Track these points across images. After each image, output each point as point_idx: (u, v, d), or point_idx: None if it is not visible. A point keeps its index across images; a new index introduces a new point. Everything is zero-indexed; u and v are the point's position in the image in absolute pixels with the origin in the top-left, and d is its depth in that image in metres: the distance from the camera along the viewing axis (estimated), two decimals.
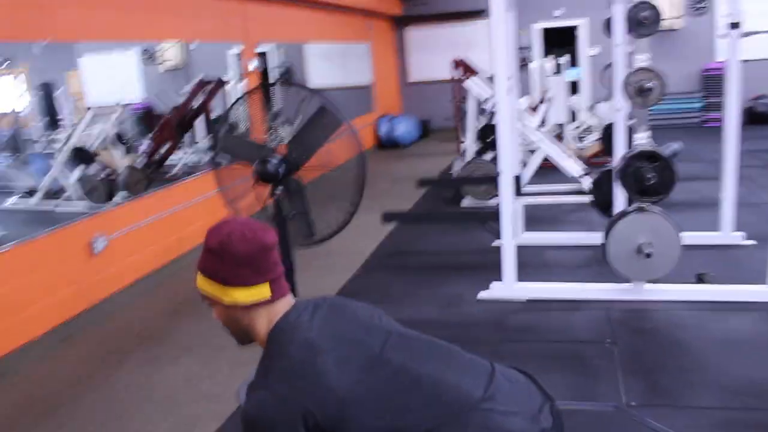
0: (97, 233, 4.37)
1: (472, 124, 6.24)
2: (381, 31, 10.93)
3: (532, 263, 4.40)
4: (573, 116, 7.81)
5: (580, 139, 7.63)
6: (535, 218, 5.17)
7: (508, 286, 3.88)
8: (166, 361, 3.51)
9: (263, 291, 1.39)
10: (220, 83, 7.32)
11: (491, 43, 3.65)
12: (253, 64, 6.53)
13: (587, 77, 9.96)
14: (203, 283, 1.41)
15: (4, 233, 5.23)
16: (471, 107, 6.21)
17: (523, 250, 4.51)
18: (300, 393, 1.26)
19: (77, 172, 7.04)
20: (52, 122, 8.81)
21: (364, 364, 1.32)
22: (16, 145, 9.12)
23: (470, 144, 6.32)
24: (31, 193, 6.80)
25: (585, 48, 10.30)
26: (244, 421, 1.28)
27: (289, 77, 10.44)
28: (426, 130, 11.43)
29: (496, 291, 3.92)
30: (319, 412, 1.24)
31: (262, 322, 1.41)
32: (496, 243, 4.81)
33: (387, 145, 10.80)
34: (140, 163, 7.80)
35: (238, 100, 5.37)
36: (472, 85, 5.95)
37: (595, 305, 3.68)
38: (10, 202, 7.00)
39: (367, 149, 10.56)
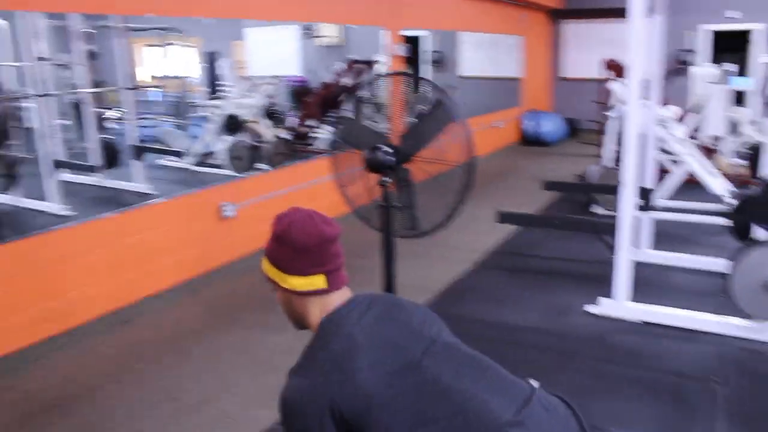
0: (228, 200, 4.63)
1: (613, 128, 5.95)
2: (536, 23, 10.63)
3: (652, 283, 4.17)
4: (734, 129, 7.20)
5: (739, 155, 7.03)
6: (667, 236, 4.87)
7: (619, 304, 3.70)
8: (272, 330, 3.67)
9: (318, 281, 1.44)
10: (370, 64, 7.50)
11: (629, 44, 3.45)
12: (398, 49, 6.61)
13: (756, 88, 9.12)
14: (267, 267, 1.49)
15: (153, 191, 5.75)
16: (613, 110, 5.93)
17: (644, 268, 4.31)
18: (331, 385, 1.30)
19: (226, 139, 7.54)
20: (214, 90, 9.48)
21: (399, 369, 1.34)
22: (179, 109, 9.93)
23: (609, 149, 6.05)
24: (180, 154, 7.38)
25: (758, 56, 9.43)
26: (279, 402, 1.34)
27: (440, 64, 10.51)
28: (574, 130, 11.01)
29: (605, 307, 3.75)
30: (346, 407, 1.28)
31: (315, 311, 1.46)
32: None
33: (531, 141, 10.55)
34: (285, 135, 8.20)
35: (373, 83, 5.49)
36: (616, 87, 5.66)
37: (711, 339, 3.42)
38: (164, 161, 7.65)
39: (510, 144, 10.38)
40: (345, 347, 1.36)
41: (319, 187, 5.52)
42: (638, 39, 3.41)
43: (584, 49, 11.07)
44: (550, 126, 10.40)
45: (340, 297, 1.48)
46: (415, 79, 3.17)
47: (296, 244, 1.43)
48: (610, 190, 4.31)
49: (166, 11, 4.36)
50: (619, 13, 3.53)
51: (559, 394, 1.47)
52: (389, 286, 3.08)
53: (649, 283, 4.12)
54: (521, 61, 10.45)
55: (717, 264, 4.12)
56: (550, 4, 10.60)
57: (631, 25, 3.38)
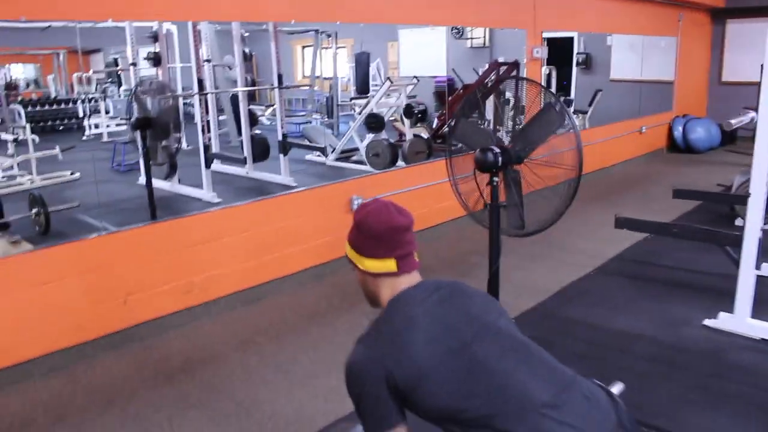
0: (359, 194, 4.89)
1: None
2: (693, 24, 10.05)
3: None
4: None
5: None
6: None
7: (739, 320, 3.54)
8: None
9: (389, 264, 1.62)
10: (515, 65, 7.52)
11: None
12: (536, 51, 6.61)
13: None
14: (348, 250, 1.69)
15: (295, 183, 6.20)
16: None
17: None
18: (388, 357, 1.47)
19: (368, 136, 7.90)
20: (365, 89, 9.92)
21: (451, 348, 1.48)
22: (328, 107, 10.49)
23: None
24: (324, 150, 7.84)
25: None
26: (345, 367, 1.54)
27: (586, 66, 10.28)
28: (731, 137, 10.30)
29: (723, 322, 3.60)
30: (400, 376, 1.45)
31: (386, 291, 1.64)
32: (758, 272, 4.36)
33: (681, 148, 10.02)
34: (424, 134, 8.42)
35: (508, 83, 5.53)
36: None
37: None
38: (309, 156, 8.16)
39: (658, 149, 9.94)
40: (405, 324, 1.53)
41: (447, 185, 5.66)
42: None
43: (748, 50, 10.30)
44: (702, 132, 9.81)
45: (409, 280, 1.64)
46: (533, 83, 3.22)
47: (371, 231, 1.62)
48: (744, 200, 4.11)
49: (312, 17, 4.68)
50: None
51: (606, 387, 1.54)
52: (494, 281, 3.18)
53: None
54: (674, 64, 9.95)
55: None
56: (711, 3, 9.99)
57: None
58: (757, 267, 3.46)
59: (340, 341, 3.60)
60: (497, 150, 3.02)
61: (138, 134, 5.29)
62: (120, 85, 9.88)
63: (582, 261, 4.90)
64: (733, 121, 4.23)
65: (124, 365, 3.43)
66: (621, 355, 3.38)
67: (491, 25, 7.55)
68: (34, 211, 5.11)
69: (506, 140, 3.18)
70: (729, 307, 3.59)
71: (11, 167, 6.93)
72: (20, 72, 9.97)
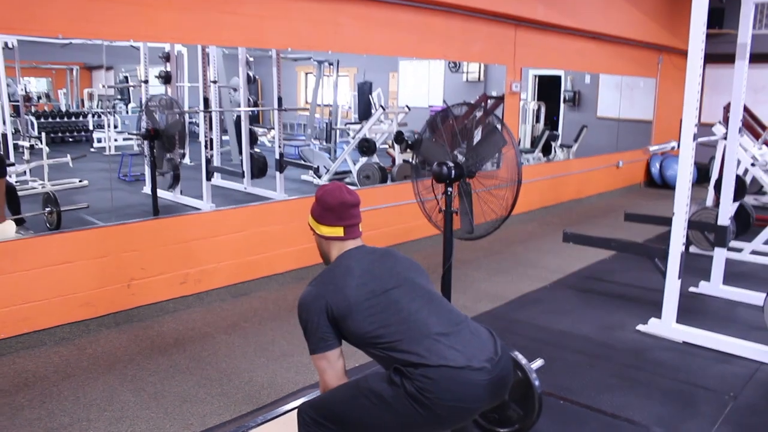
0: None
1: (716, 172, 6.14)
2: (673, 66, 10.68)
3: (717, 314, 4.51)
4: None
5: None
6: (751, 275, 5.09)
7: (666, 325, 4.04)
8: None
9: (338, 231, 2.16)
10: (501, 99, 8.12)
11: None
12: (516, 86, 7.19)
13: None
14: (310, 219, 2.23)
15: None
16: (718, 155, 6.14)
17: (713, 300, 4.62)
18: (327, 292, 2.00)
19: (360, 160, 8.46)
20: (366, 116, 10.53)
21: (374, 291, 2.01)
22: (326, 132, 11.10)
23: (711, 193, 6.24)
24: (318, 170, 8.39)
25: None
26: (298, 301, 2.05)
27: (573, 103, 10.89)
28: (706, 175, 10.85)
29: (652, 327, 4.10)
30: (335, 308, 1.97)
31: (334, 251, 2.18)
32: (693, 289, 4.88)
33: (658, 183, 10.60)
34: (413, 160, 8.95)
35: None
36: (715, 128, 5.91)
37: (748, 363, 3.68)
38: (305, 176, 8.71)
39: (636, 184, 10.51)
40: (343, 272, 2.06)
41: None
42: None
43: (726, 95, 10.90)
44: (676, 169, 10.36)
45: (353, 244, 2.18)
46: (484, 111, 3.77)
47: (327, 205, 2.16)
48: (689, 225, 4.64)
49: (307, 46, 5.22)
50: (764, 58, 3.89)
51: (488, 328, 2.06)
52: (447, 277, 3.67)
53: (715, 315, 4.49)
54: (653, 104, 10.57)
55: None
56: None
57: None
58: (680, 277, 3.97)
59: None
60: (451, 164, 3.56)
61: (146, 144, 5.84)
62: (128, 102, 10.52)
63: (543, 275, 5.42)
64: (651, 148, 4.79)
65: (125, 339, 3.93)
66: (556, 349, 3.88)
67: (475, 60, 8.16)
68: (47, 209, 5.64)
69: (461, 158, 3.71)
70: (679, 320, 4.09)
71: (24, 173, 7.48)
72: (33, 85, 10.58)
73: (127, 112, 10.30)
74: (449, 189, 3.62)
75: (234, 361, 3.66)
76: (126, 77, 9.96)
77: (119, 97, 10.52)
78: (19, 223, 5.25)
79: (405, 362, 1.89)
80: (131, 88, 10.23)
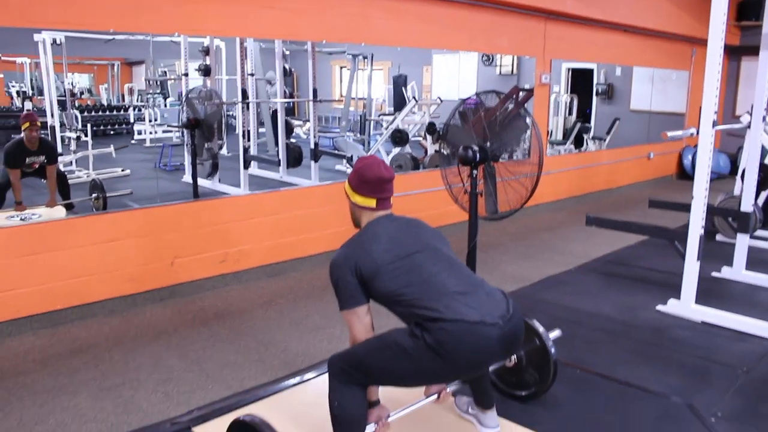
0: None
1: (744, 162, 6.19)
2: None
3: (738, 298, 4.62)
4: None
5: None
6: None
7: (685, 305, 4.16)
8: None
9: (371, 201, 2.37)
10: (532, 92, 8.24)
11: None
12: (545, 77, 7.31)
13: None
14: (346, 186, 2.45)
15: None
16: (746, 145, 6.19)
17: (735, 285, 4.75)
18: (356, 255, 2.22)
19: (393, 150, 8.67)
20: (400, 109, 10.75)
21: (399, 255, 2.22)
22: (360, 123, 11.35)
23: (738, 182, 6.30)
24: (351, 160, 8.63)
25: None
26: (330, 262, 2.27)
27: (606, 95, 10.93)
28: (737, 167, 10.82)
29: (672, 307, 4.23)
30: (364, 269, 2.19)
31: (365, 218, 2.40)
32: (715, 274, 4.99)
33: (690, 175, 10.57)
34: (444, 150, 9.14)
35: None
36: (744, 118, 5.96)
37: (764, 342, 3.79)
38: (339, 166, 8.96)
39: (668, 176, 10.53)
40: (371, 237, 2.28)
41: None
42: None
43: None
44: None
45: (382, 213, 2.39)
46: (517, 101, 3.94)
47: (364, 177, 2.37)
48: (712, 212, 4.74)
49: (340, 38, 5.43)
50: None
51: (502, 291, 2.25)
52: (472, 255, 3.86)
53: (737, 298, 4.59)
54: (686, 97, 10.55)
55: None
56: (726, 41, 10.54)
57: None
58: (699, 258, 4.09)
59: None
60: (476, 148, 3.74)
61: (187, 133, 6.13)
62: (167, 96, 10.91)
63: (569, 260, 5.56)
64: (670, 133, 4.89)
65: (168, 313, 4.20)
66: (577, 326, 4.03)
67: (504, 52, 8.29)
68: (94, 195, 5.97)
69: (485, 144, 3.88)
70: (698, 302, 4.21)
71: (71, 162, 7.86)
72: (77, 80, 11.03)
73: (165, 106, 10.68)
74: (474, 171, 3.80)
75: (270, 333, 3.90)
76: (165, 71, 10.34)
77: (158, 91, 10.91)
78: (69, 208, 5.58)
79: (425, 317, 2.09)
80: (170, 83, 10.61)
